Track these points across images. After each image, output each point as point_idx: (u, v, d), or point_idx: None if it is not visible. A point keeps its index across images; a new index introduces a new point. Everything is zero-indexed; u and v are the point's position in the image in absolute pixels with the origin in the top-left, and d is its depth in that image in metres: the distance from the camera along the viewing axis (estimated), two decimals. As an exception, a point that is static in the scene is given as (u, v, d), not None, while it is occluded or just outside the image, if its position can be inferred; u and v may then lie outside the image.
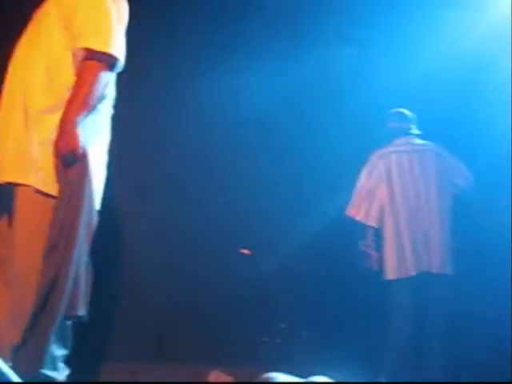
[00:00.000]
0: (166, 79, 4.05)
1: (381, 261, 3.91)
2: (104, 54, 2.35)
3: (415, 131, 4.09)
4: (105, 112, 2.49)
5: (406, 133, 4.06)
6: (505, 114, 3.80)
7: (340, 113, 4.26)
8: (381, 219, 3.94)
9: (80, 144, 2.27)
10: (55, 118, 2.32)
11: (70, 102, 2.30)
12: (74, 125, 2.26)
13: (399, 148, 4.00)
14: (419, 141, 4.05)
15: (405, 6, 4.08)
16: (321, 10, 4.16)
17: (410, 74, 4.10)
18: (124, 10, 2.51)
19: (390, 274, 3.85)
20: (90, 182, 2.31)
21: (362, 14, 4.17)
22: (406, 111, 4.12)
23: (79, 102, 2.29)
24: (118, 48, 2.39)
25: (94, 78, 2.32)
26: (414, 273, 3.79)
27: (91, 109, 2.34)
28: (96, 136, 2.43)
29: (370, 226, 3.94)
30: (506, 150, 3.79)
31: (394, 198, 3.90)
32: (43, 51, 2.39)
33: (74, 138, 2.25)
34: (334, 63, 4.18)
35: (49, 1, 2.49)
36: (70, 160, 2.26)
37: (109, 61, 2.37)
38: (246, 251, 4.11)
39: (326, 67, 4.20)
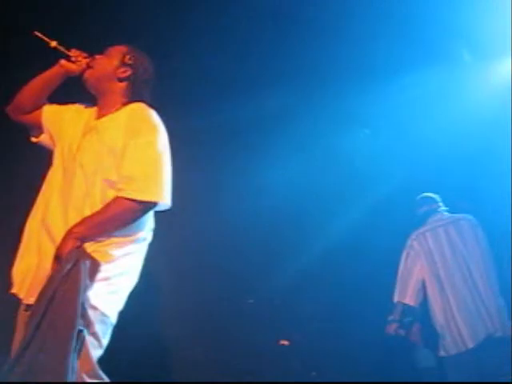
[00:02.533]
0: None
1: (434, 338, 3.86)
2: (142, 201, 2.32)
3: (443, 207, 4.19)
4: (138, 253, 2.46)
5: (436, 211, 4.15)
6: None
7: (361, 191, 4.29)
8: (423, 297, 3.92)
9: (66, 254, 2.19)
10: None
11: (83, 221, 2.29)
12: (73, 238, 2.23)
13: (433, 224, 4.06)
14: (450, 214, 4.14)
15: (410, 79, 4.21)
16: (331, 92, 4.21)
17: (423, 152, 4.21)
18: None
19: (447, 350, 3.80)
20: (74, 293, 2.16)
21: (370, 94, 4.26)
22: (430, 194, 4.23)
23: (90, 225, 2.28)
24: (160, 193, 2.35)
25: (119, 215, 2.31)
26: (472, 345, 3.73)
27: (102, 235, 2.30)
28: (125, 268, 2.39)
29: (401, 303, 3.91)
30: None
31: (437, 273, 3.90)
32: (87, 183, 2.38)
33: (64, 246, 2.20)
34: (350, 144, 4.24)
35: (91, 132, 2.48)
36: (57, 263, 2.20)
37: (146, 205, 2.34)
38: (285, 342, 4.00)
39: (342, 149, 4.25)
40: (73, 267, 2.17)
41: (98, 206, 2.32)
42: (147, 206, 2.33)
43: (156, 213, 2.50)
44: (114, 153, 2.37)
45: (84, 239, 2.25)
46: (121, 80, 2.57)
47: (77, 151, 2.46)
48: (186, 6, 3.79)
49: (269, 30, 4.00)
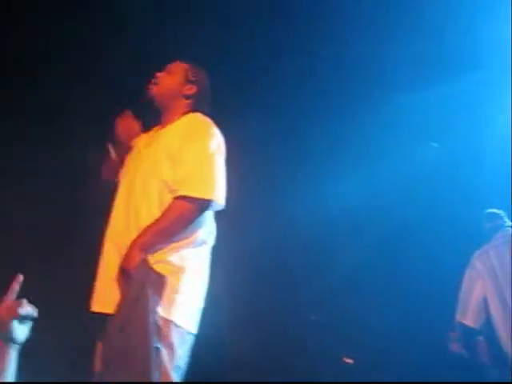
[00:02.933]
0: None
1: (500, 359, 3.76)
2: (198, 198, 2.38)
3: (508, 223, 4.10)
4: (200, 257, 2.48)
5: (500, 227, 4.06)
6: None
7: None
8: (486, 316, 3.84)
9: (134, 269, 2.24)
10: None
11: (145, 230, 2.33)
12: (138, 250, 2.27)
13: (497, 242, 3.98)
14: (514, 230, 4.04)
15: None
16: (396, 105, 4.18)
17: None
18: (223, 142, 2.56)
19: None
20: (145, 308, 2.22)
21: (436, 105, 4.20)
22: (495, 210, 4.14)
23: (153, 233, 2.32)
24: (214, 191, 2.40)
25: (178, 217, 2.36)
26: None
27: (165, 242, 2.34)
28: (192, 273, 2.41)
29: (462, 323, 3.86)
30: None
31: (501, 291, 3.81)
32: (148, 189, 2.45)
33: (131, 260, 2.25)
34: (417, 157, 4.19)
35: (151, 138, 2.61)
36: (125, 277, 2.26)
37: (201, 204, 2.39)
38: (349, 360, 3.98)
39: (409, 162, 4.20)
40: (141, 289, 2.22)
41: (155, 206, 2.40)
42: (202, 204, 2.38)
43: (220, 218, 2.56)
44: (171, 157, 2.44)
45: (148, 249, 2.30)
46: (187, 97, 2.65)
47: (138, 161, 2.58)
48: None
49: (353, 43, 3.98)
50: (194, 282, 2.41)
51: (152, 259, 2.31)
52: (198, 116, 2.58)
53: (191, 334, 2.38)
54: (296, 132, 4.01)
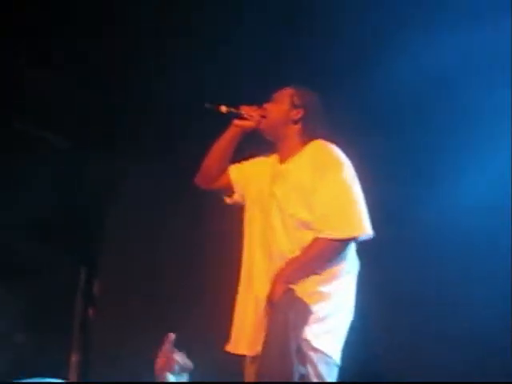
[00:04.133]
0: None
1: None
2: (342, 238, 2.38)
3: None
4: (346, 287, 2.46)
5: None
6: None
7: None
8: None
9: (278, 299, 2.30)
10: None
11: (287, 265, 2.38)
12: (281, 282, 2.33)
13: None
14: None
15: None
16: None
17: None
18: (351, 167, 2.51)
19: None
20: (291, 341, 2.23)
21: None
22: None
23: (294, 268, 2.37)
24: (357, 227, 2.38)
25: (320, 256, 2.38)
26: None
27: (307, 276, 2.36)
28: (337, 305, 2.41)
29: None
30: None
31: None
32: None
33: (276, 291, 2.32)
34: None
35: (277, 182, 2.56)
36: (270, 308, 2.32)
37: (345, 242, 2.40)
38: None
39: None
40: (284, 316, 2.26)
41: (296, 248, 2.40)
42: (346, 242, 2.39)
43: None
44: (304, 193, 2.43)
45: (291, 282, 2.33)
46: (295, 122, 2.60)
47: (269, 198, 2.53)
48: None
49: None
50: (339, 310, 2.41)
51: (297, 289, 2.34)
52: (323, 144, 2.54)
53: (337, 364, 2.39)
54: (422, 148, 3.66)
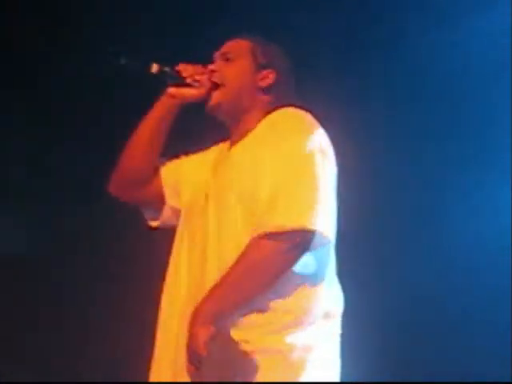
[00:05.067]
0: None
1: None
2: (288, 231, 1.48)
3: None
4: (327, 339, 1.62)
5: None
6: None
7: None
8: None
9: (204, 351, 1.41)
10: None
11: (214, 288, 1.50)
12: (203, 324, 1.44)
13: None
14: None
15: None
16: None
17: None
18: (327, 143, 1.66)
19: None
20: None
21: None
22: None
23: (226, 287, 1.50)
24: (311, 217, 1.49)
25: (263, 261, 1.49)
26: None
27: (245, 303, 1.52)
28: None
29: None
30: None
31: None
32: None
33: (196, 341, 1.42)
34: None
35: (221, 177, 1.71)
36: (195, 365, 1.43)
37: (296, 238, 1.49)
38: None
39: None
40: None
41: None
42: (298, 239, 1.49)
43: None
44: (254, 175, 1.59)
45: (220, 318, 1.47)
46: (265, 91, 1.76)
47: (206, 199, 1.69)
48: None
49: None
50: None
51: (238, 336, 1.51)
52: (288, 111, 1.69)
53: None
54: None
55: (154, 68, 1.75)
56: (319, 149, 1.59)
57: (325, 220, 1.51)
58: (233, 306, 1.51)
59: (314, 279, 1.58)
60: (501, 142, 2.89)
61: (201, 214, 1.69)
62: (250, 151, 1.65)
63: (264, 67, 1.76)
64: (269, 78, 1.75)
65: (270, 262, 1.50)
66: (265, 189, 1.54)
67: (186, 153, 1.92)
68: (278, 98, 1.75)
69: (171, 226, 1.84)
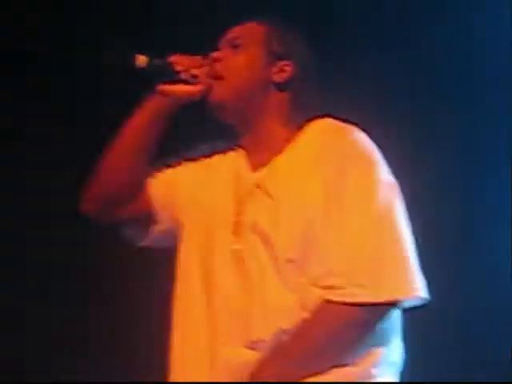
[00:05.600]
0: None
1: None
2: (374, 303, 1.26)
3: None
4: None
5: None
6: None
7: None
8: None
9: None
10: None
11: (278, 352, 1.27)
12: None
13: None
14: None
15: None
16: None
17: None
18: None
19: None
20: None
21: None
22: None
23: (294, 355, 1.28)
24: (404, 287, 1.28)
25: (338, 331, 1.28)
26: None
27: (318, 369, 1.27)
28: None
29: None
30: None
31: None
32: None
33: None
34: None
35: None
36: None
37: (380, 310, 1.29)
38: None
39: None
40: None
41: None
42: (384, 311, 1.28)
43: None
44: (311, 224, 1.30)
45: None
46: (280, 87, 1.43)
47: (236, 234, 1.37)
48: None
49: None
50: None
51: None
52: (332, 128, 1.38)
53: None
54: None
55: (141, 61, 1.41)
56: (394, 193, 1.33)
57: (419, 282, 1.29)
58: (299, 375, 1.27)
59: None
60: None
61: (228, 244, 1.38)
62: (296, 186, 1.33)
63: (280, 58, 1.43)
64: (286, 71, 1.42)
65: (348, 332, 1.28)
66: (335, 248, 1.28)
67: (178, 159, 1.57)
68: (297, 98, 1.43)
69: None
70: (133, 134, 1.48)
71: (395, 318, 1.35)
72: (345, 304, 1.25)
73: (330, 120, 1.39)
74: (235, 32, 1.46)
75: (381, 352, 1.31)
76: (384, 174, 1.33)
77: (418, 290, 1.27)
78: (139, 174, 1.50)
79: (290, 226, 1.30)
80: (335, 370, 1.28)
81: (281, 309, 1.29)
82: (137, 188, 1.50)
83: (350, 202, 1.28)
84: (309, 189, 1.31)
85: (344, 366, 1.29)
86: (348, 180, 1.29)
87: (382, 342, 1.32)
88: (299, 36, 1.49)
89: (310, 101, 1.42)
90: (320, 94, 1.48)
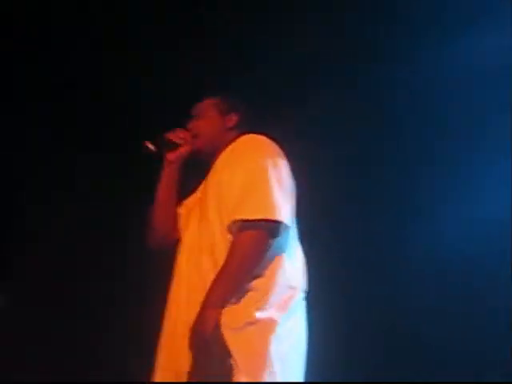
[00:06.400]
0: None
1: None
2: (260, 220, 1.92)
3: None
4: (295, 312, 2.03)
5: None
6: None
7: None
8: None
9: (211, 336, 1.83)
10: None
11: (214, 283, 1.90)
12: (213, 308, 1.87)
13: None
14: None
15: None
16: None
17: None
18: (281, 155, 2.12)
19: None
20: None
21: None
22: None
23: (224, 281, 1.90)
24: (278, 210, 1.94)
25: (247, 251, 1.92)
26: None
27: (240, 289, 1.93)
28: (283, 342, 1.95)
29: None
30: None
31: None
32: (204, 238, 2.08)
33: (206, 322, 1.84)
34: None
35: (207, 183, 2.21)
36: (199, 342, 1.84)
37: (269, 227, 1.93)
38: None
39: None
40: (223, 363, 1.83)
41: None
42: (269, 229, 1.93)
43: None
44: (219, 191, 2.06)
45: (224, 304, 1.89)
46: (232, 129, 2.25)
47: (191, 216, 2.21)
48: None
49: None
50: (287, 347, 1.97)
51: (237, 320, 1.90)
52: (246, 136, 2.19)
53: None
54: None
55: (151, 147, 2.25)
56: (276, 164, 2.05)
57: (283, 210, 1.95)
58: (233, 291, 1.91)
59: (277, 258, 2.00)
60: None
61: (187, 229, 2.17)
62: (217, 172, 2.13)
63: (228, 112, 2.25)
64: (233, 119, 2.24)
65: (252, 249, 1.92)
66: (233, 196, 1.98)
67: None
68: (243, 131, 2.22)
69: None
70: (164, 198, 2.29)
71: (284, 244, 2.01)
72: (241, 231, 1.90)
73: (248, 135, 2.16)
74: (195, 109, 2.29)
75: (277, 276, 1.97)
76: (265, 153, 2.06)
77: (283, 216, 1.93)
78: (174, 215, 2.30)
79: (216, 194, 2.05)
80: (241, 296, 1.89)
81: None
82: (175, 222, 2.30)
83: (238, 168, 2.02)
84: (222, 169, 2.09)
85: (247, 291, 1.91)
86: (243, 156, 2.07)
87: (277, 267, 1.98)
88: (238, 97, 2.31)
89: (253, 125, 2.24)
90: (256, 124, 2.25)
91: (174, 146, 2.27)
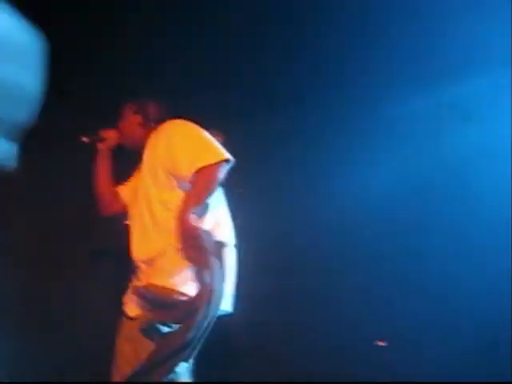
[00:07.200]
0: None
1: None
2: (217, 162, 2.63)
3: None
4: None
5: None
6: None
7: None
8: None
9: (196, 230, 2.54)
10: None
11: (188, 196, 2.62)
12: (189, 210, 2.56)
13: None
14: None
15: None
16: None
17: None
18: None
19: None
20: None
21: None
22: None
23: (193, 201, 2.60)
24: (223, 151, 2.66)
25: (210, 179, 2.64)
26: None
27: (203, 203, 2.67)
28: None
29: None
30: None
31: None
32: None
33: (187, 223, 2.53)
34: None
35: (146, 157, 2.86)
36: (192, 245, 2.54)
37: (221, 164, 2.64)
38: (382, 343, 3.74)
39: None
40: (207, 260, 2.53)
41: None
42: (221, 166, 2.64)
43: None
44: (160, 162, 2.74)
45: (194, 210, 2.59)
46: (140, 124, 3.02)
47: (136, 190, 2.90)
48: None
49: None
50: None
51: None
52: (165, 123, 2.85)
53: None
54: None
55: (85, 139, 3.09)
56: (189, 123, 2.77)
57: (225, 151, 2.67)
58: (199, 205, 2.64)
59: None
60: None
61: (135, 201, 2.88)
62: (151, 149, 2.81)
63: (136, 113, 3.03)
64: (150, 113, 3.02)
65: (214, 179, 2.64)
66: (184, 157, 2.68)
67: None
68: (147, 125, 2.99)
69: None
70: (101, 173, 3.12)
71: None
72: (204, 167, 2.59)
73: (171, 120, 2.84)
74: (122, 109, 3.07)
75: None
76: (186, 122, 2.76)
77: (226, 154, 2.63)
78: (112, 188, 3.13)
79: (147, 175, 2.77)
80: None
81: None
82: (114, 194, 3.12)
83: (171, 136, 2.73)
84: (155, 146, 2.77)
85: None
86: (171, 132, 2.76)
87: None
88: (152, 99, 3.06)
89: (155, 122, 2.96)
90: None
91: (103, 140, 3.10)
